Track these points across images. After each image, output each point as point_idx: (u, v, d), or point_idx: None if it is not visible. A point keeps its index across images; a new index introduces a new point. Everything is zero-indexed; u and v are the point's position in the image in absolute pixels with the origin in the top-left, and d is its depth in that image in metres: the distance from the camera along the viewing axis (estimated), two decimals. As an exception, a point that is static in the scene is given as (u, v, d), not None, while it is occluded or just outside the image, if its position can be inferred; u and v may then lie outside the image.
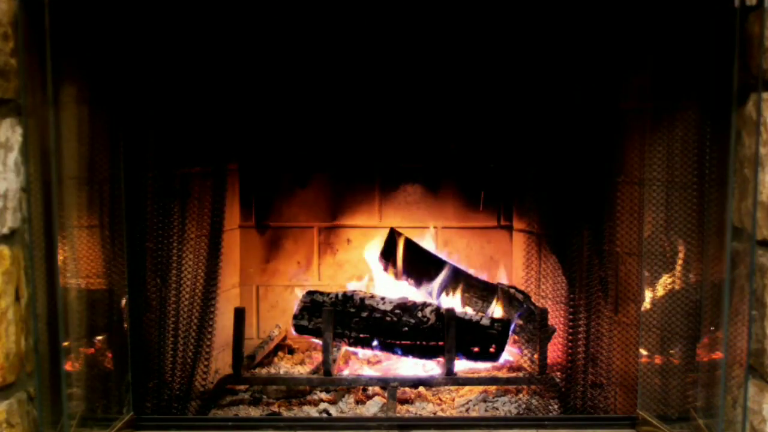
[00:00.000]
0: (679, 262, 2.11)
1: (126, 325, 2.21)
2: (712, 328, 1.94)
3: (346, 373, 2.75)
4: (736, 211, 1.81)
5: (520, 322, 2.72)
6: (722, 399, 1.83)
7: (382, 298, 2.77)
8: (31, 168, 1.70)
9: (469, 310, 2.83)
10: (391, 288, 2.97)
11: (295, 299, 2.93)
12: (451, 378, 2.59)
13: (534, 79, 2.58)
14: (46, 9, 1.70)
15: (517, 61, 2.76)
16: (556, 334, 2.57)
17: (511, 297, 2.79)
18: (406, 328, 2.69)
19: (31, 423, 1.72)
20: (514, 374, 2.76)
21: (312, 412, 2.57)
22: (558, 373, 2.53)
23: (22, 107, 1.66)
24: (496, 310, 2.85)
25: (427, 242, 3.07)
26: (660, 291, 2.16)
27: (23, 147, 1.67)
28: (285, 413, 2.57)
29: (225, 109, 2.55)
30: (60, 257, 1.81)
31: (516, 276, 3.03)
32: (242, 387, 2.73)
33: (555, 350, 2.55)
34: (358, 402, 2.64)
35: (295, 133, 3.08)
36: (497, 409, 2.59)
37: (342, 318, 2.72)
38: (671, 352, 2.12)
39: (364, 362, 2.87)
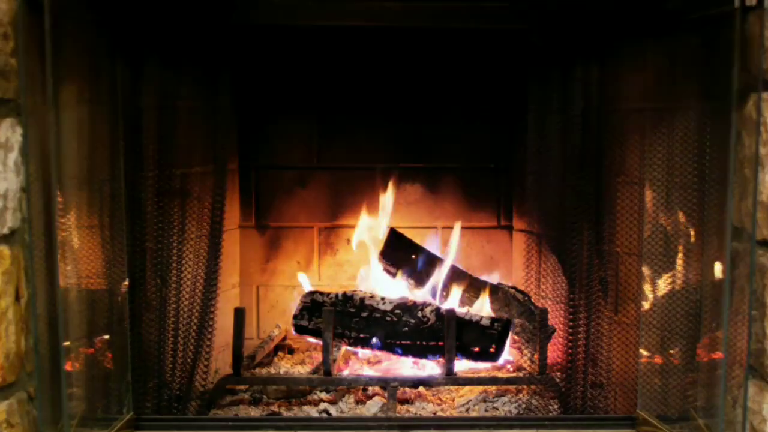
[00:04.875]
0: (679, 262, 2.11)
1: (126, 325, 2.21)
2: (712, 327, 1.94)
3: (346, 373, 2.75)
4: (736, 211, 1.80)
5: (520, 322, 2.72)
6: (722, 399, 1.83)
7: (382, 298, 2.77)
8: (31, 168, 1.69)
9: (470, 310, 2.83)
10: (391, 288, 2.97)
11: (295, 299, 2.93)
12: (451, 378, 2.59)
13: (534, 79, 2.57)
14: (46, 9, 1.69)
15: (517, 60, 2.76)
16: (556, 334, 2.57)
17: (511, 297, 2.79)
18: (406, 328, 2.69)
19: (31, 423, 1.72)
20: (514, 374, 2.76)
21: (312, 412, 2.57)
22: (558, 373, 2.52)
23: (22, 107, 1.66)
24: (496, 310, 2.85)
25: (428, 242, 3.07)
26: (660, 291, 2.16)
27: (23, 147, 1.66)
28: (285, 413, 2.57)
29: (225, 108, 2.55)
30: (60, 257, 1.81)
31: (516, 276, 3.03)
32: (242, 387, 2.72)
33: (555, 350, 2.55)
34: (358, 402, 2.64)
35: (296, 133, 3.08)
36: (497, 409, 2.60)
37: (342, 318, 2.72)
38: (671, 352, 2.12)
39: (364, 362, 2.87)
